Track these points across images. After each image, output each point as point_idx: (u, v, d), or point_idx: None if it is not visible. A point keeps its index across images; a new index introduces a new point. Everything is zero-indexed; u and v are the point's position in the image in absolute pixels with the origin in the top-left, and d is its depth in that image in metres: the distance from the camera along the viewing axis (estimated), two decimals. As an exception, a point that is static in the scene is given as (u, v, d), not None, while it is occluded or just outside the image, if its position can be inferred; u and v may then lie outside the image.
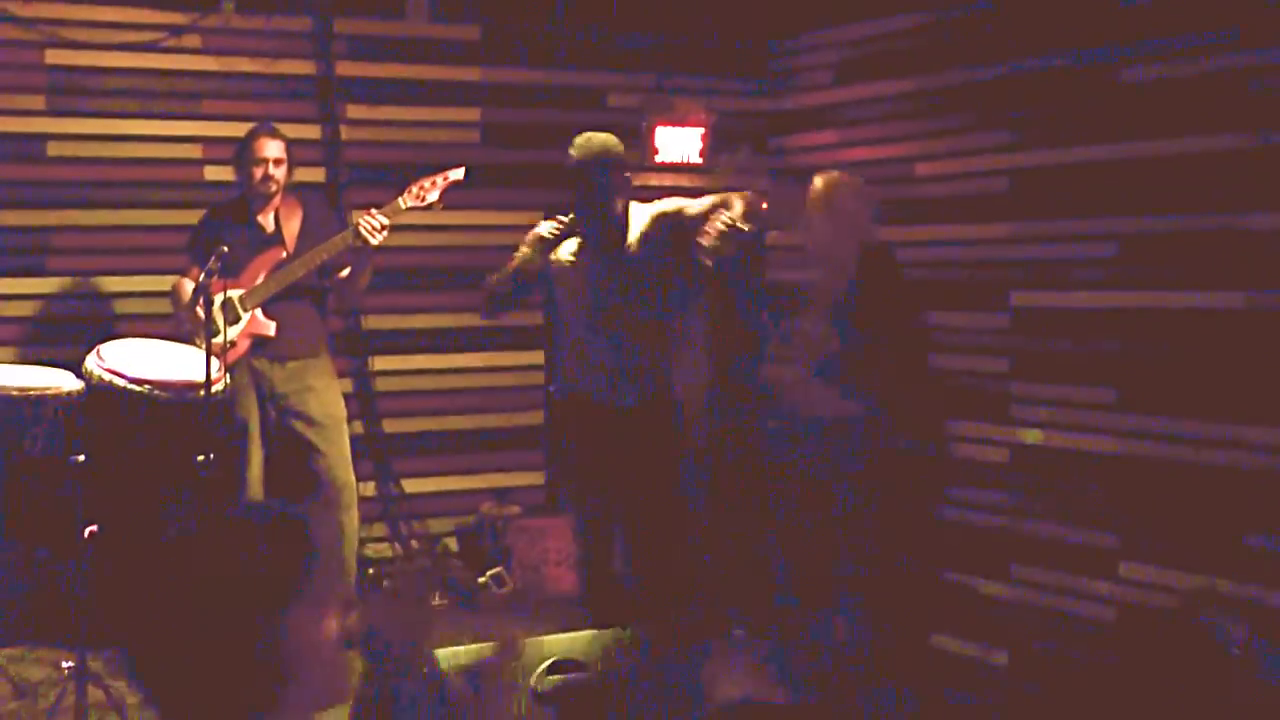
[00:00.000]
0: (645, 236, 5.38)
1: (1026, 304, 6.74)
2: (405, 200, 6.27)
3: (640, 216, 5.44)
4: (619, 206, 5.43)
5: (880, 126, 7.56)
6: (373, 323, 7.47)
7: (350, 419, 6.90)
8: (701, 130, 7.92)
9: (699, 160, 7.92)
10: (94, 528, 5.02)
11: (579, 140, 5.43)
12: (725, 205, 5.27)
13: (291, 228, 6.41)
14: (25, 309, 6.68)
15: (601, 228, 5.37)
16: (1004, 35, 6.82)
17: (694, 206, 5.39)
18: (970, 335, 7.01)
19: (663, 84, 7.92)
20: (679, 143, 7.89)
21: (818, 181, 6.01)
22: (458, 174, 6.37)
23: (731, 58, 8.09)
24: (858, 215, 5.98)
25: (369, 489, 7.32)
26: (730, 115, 8.07)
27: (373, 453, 7.43)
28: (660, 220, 5.41)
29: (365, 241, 6.19)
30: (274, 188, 6.33)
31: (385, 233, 6.20)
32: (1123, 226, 6.30)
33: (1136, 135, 6.25)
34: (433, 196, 6.29)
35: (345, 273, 6.44)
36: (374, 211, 6.20)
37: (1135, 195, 6.26)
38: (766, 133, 8.20)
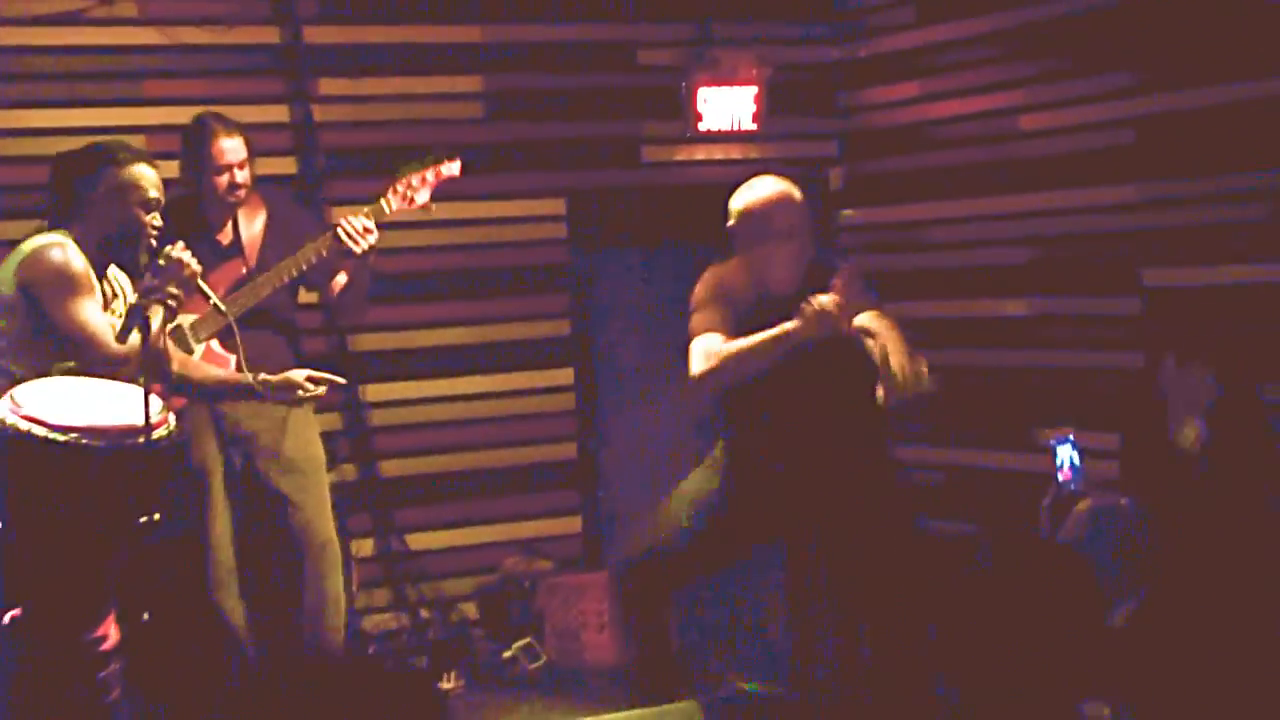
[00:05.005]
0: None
1: (1162, 283, 6.77)
2: (390, 202, 6.23)
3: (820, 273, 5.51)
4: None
5: (974, 73, 7.55)
6: (362, 343, 7.40)
7: (338, 461, 6.90)
8: (755, 89, 7.81)
9: (753, 126, 7.86)
10: (15, 611, 4.93)
11: (781, 184, 5.52)
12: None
13: (252, 235, 6.32)
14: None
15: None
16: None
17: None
18: (1095, 325, 7.05)
19: (706, 35, 7.87)
20: (727, 106, 7.78)
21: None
22: (452, 168, 6.33)
23: (788, -1, 8.17)
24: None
25: (366, 547, 7.27)
26: (789, 69, 8.02)
27: (369, 502, 7.37)
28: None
29: (351, 251, 6.10)
30: (242, 195, 6.26)
31: (373, 238, 6.12)
32: (1277, 182, 6.31)
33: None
34: (423, 197, 6.25)
35: (341, 280, 6.34)
36: (350, 220, 6.14)
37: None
38: (835, 87, 8.18)
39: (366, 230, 6.09)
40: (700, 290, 5.60)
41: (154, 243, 5.29)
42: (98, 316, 5.23)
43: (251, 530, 6.36)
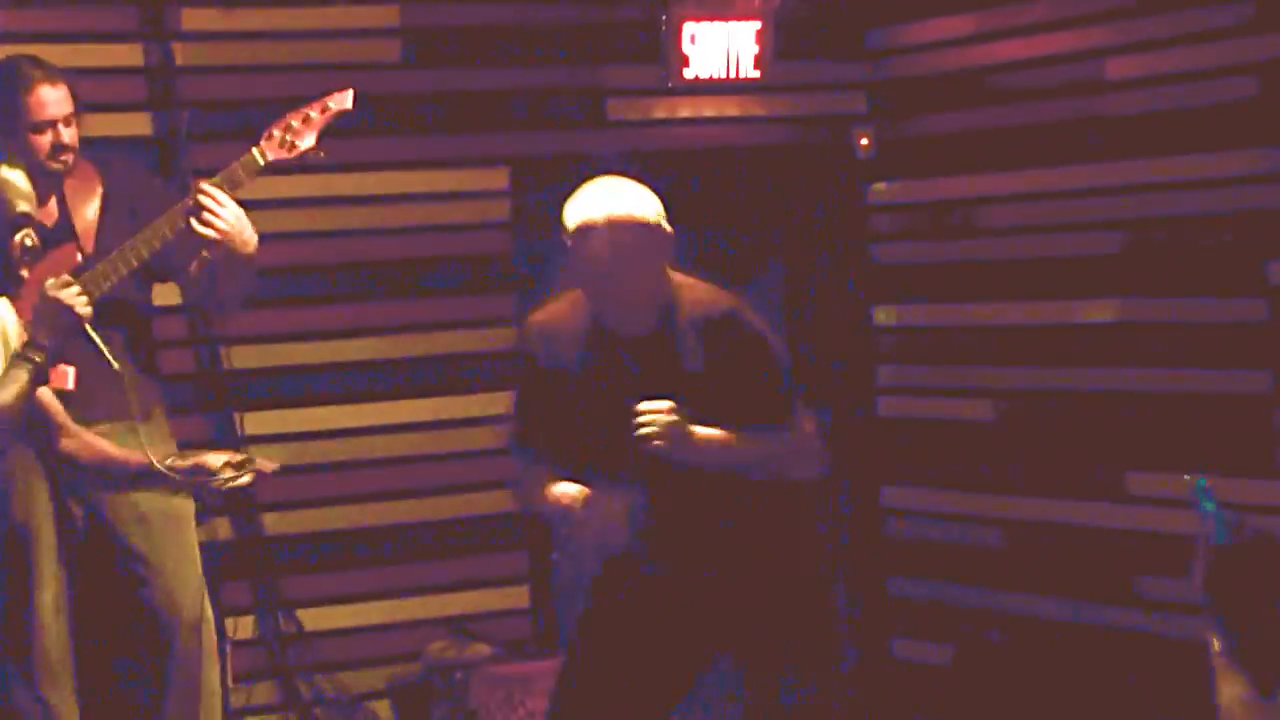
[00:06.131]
0: (708, 340, 5.25)
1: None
2: (264, 152, 6.04)
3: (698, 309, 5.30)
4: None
5: (1046, 4, 7.42)
6: (241, 358, 7.20)
7: (208, 515, 6.54)
8: (757, 25, 7.68)
9: (755, 74, 7.72)
10: None
11: (617, 200, 5.16)
12: None
13: (86, 213, 6.20)
14: None
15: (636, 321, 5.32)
16: None
17: None
18: (1209, 334, 6.92)
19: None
20: (722, 47, 7.70)
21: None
22: (342, 100, 6.17)
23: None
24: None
25: (245, 627, 7.08)
26: (804, -2, 7.65)
27: (249, 568, 7.22)
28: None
29: (208, 233, 5.89)
30: (70, 160, 6.13)
31: (230, 213, 5.92)
32: None
33: None
34: (307, 141, 6.07)
35: (197, 270, 6.19)
36: (205, 185, 5.93)
37: None
38: (863, 23, 8.05)
39: (218, 203, 5.93)
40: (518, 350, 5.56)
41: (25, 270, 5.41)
42: None
43: (94, 606, 6.10)
